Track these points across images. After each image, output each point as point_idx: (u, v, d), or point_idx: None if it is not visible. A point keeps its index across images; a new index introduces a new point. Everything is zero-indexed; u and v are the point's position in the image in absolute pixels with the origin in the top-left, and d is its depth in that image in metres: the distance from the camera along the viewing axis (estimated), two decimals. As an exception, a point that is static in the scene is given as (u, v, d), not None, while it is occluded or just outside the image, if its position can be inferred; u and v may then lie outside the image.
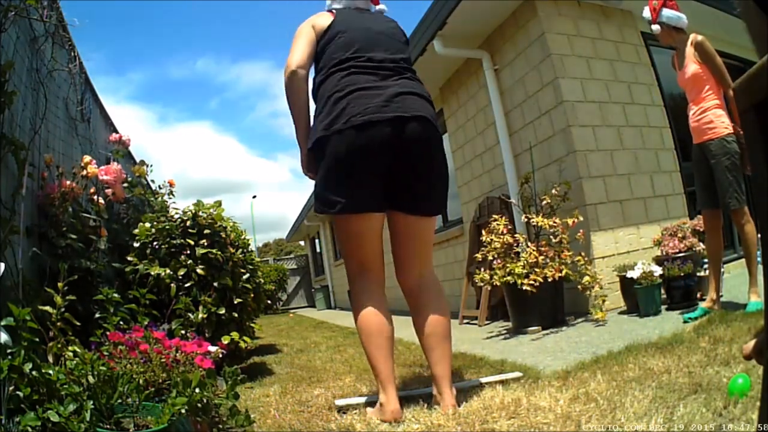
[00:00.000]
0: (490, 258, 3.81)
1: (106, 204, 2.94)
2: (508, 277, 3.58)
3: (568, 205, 3.76)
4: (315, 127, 1.87)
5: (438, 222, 6.49)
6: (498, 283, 3.68)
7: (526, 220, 3.85)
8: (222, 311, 2.87)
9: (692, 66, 2.90)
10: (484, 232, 3.95)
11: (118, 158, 3.43)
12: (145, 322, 1.96)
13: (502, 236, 3.76)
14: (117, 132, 3.59)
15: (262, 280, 4.03)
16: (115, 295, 2.07)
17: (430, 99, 1.94)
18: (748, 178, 2.85)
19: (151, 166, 3.60)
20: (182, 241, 2.94)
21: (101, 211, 2.83)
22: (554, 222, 3.63)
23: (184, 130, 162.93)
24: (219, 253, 2.93)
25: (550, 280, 3.48)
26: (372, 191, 1.83)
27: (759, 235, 2.62)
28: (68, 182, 2.46)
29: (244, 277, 3.19)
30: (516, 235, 3.85)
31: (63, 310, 1.81)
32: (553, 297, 3.63)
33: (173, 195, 3.60)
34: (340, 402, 2.04)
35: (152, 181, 3.62)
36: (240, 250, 3.27)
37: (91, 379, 1.47)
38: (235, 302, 3.03)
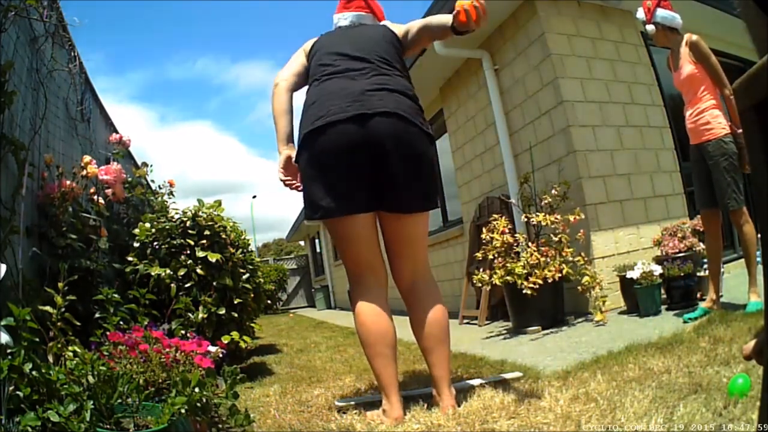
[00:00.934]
0: (491, 257, 3.81)
1: (106, 204, 2.94)
2: (508, 277, 3.58)
3: (567, 204, 3.76)
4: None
5: (438, 222, 6.49)
6: (497, 283, 3.68)
7: (525, 219, 3.85)
8: (222, 311, 2.87)
9: (687, 66, 2.90)
10: (484, 230, 3.95)
11: (118, 158, 3.43)
12: (145, 322, 1.96)
13: (502, 235, 3.76)
14: (117, 132, 3.59)
15: (262, 280, 4.03)
16: (115, 295, 2.07)
17: (409, 92, 1.86)
18: (747, 178, 2.85)
19: (151, 166, 3.61)
20: (182, 241, 2.94)
21: (101, 211, 2.84)
22: (555, 218, 3.63)
23: (184, 130, 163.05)
24: (218, 256, 2.93)
25: (550, 280, 3.48)
26: (353, 192, 1.78)
27: (759, 236, 2.62)
28: (68, 182, 2.46)
29: (244, 277, 3.20)
30: (516, 235, 3.85)
31: (63, 310, 1.81)
32: (553, 297, 3.63)
33: (173, 195, 3.60)
34: (340, 402, 2.04)
35: (152, 181, 3.63)
36: (240, 250, 3.28)
37: (91, 379, 1.47)
38: (235, 302, 3.03)
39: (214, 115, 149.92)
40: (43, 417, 1.29)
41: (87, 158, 2.72)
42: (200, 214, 3.06)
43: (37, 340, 1.53)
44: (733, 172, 2.75)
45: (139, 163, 3.70)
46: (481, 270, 3.93)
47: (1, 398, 1.34)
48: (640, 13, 3.07)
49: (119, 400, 1.45)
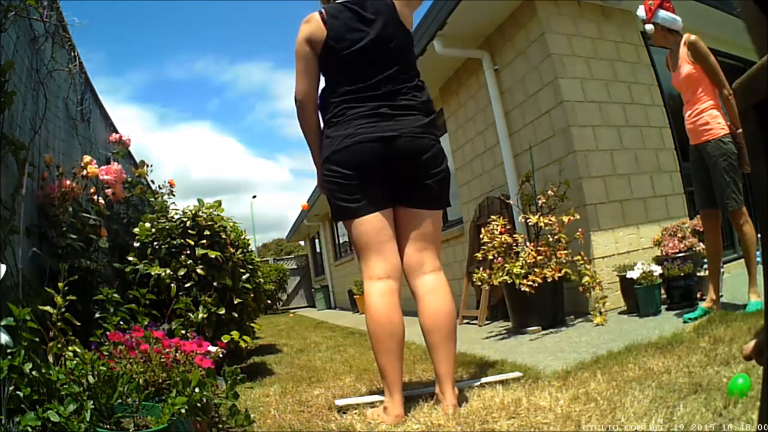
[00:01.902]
0: (490, 257, 3.82)
1: (106, 204, 2.94)
2: (506, 277, 3.58)
3: (567, 204, 3.76)
4: (323, 148, 2.00)
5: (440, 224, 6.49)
6: (496, 283, 3.68)
7: (523, 219, 3.85)
8: (222, 311, 2.87)
9: (686, 66, 2.89)
10: (483, 231, 3.96)
11: (118, 158, 3.42)
12: (145, 322, 1.96)
13: (500, 236, 3.76)
14: (117, 132, 3.59)
15: (262, 280, 4.03)
16: (115, 295, 2.07)
17: (425, 106, 1.97)
18: (747, 178, 2.85)
19: (151, 166, 3.60)
20: (182, 241, 2.94)
21: (101, 211, 2.83)
22: (550, 220, 3.63)
23: (183, 131, 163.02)
24: (218, 253, 2.93)
25: (549, 280, 3.48)
26: (377, 194, 1.92)
27: (758, 235, 2.62)
28: (68, 182, 2.46)
29: (244, 277, 3.20)
30: (515, 235, 3.85)
31: (63, 310, 1.80)
32: (553, 297, 3.63)
33: (173, 195, 3.60)
34: (340, 402, 2.04)
35: (152, 181, 3.63)
36: (240, 250, 3.28)
37: (91, 379, 1.47)
38: (235, 302, 3.03)
39: (214, 116, 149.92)
40: (43, 417, 1.29)
41: (87, 158, 2.72)
42: (200, 214, 3.06)
43: (37, 340, 1.53)
44: (733, 172, 2.75)
45: (139, 163, 3.69)
46: (481, 269, 3.94)
47: (1, 398, 1.34)
48: (641, 11, 3.07)
49: (119, 400, 1.45)
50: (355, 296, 9.60)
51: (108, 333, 1.80)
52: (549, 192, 3.77)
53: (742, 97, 0.59)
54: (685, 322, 2.80)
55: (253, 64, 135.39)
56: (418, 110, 1.94)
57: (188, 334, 2.24)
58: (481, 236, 4.00)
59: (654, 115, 4.43)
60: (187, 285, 2.84)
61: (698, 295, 3.37)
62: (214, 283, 2.91)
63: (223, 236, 3.10)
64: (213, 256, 2.90)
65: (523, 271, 3.54)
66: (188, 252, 2.92)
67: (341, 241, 12.79)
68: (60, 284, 1.83)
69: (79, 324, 1.99)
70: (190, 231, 2.99)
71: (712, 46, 3.00)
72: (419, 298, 1.91)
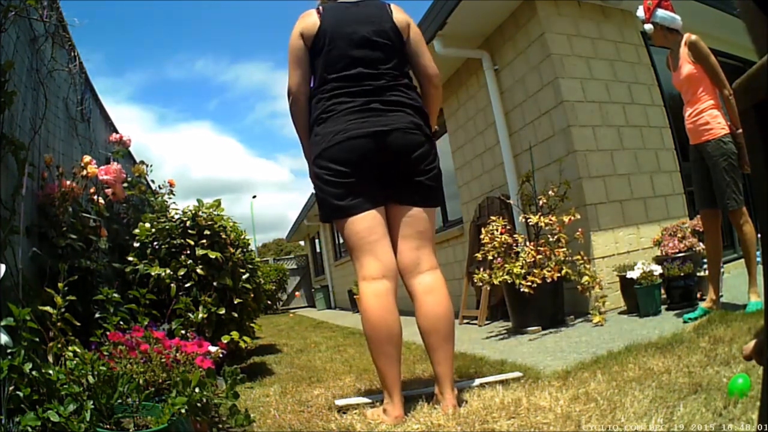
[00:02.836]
0: (490, 258, 3.82)
1: (106, 204, 2.94)
2: (507, 277, 3.58)
3: (567, 204, 3.76)
4: (311, 146, 1.99)
5: (438, 222, 6.49)
6: (497, 282, 3.68)
7: (523, 219, 3.85)
8: (222, 311, 2.87)
9: (686, 66, 2.89)
10: (483, 231, 3.96)
11: (118, 158, 3.42)
12: (145, 322, 1.96)
13: (499, 237, 3.76)
14: (117, 132, 3.59)
15: (262, 280, 4.03)
16: (115, 295, 2.07)
17: (415, 104, 1.97)
18: (747, 178, 2.85)
19: (151, 166, 3.60)
20: (182, 241, 2.94)
21: (101, 211, 2.83)
22: (550, 220, 3.63)
23: (183, 131, 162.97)
24: (218, 254, 2.93)
25: (549, 280, 3.48)
26: (369, 192, 1.90)
27: (758, 236, 2.62)
28: (68, 182, 2.46)
29: (244, 277, 3.20)
30: (515, 235, 3.85)
31: (63, 310, 1.80)
32: (553, 297, 3.63)
33: (173, 195, 3.60)
34: (340, 402, 2.04)
35: (152, 181, 3.63)
36: (240, 250, 3.28)
37: (91, 379, 1.47)
38: (235, 302, 3.03)
39: (214, 116, 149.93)
40: (43, 417, 1.29)
41: (87, 158, 2.72)
42: (200, 213, 3.06)
43: (37, 340, 1.53)
44: (733, 172, 2.75)
45: (138, 162, 3.69)
46: (481, 270, 3.94)
47: (1, 398, 1.34)
48: (640, 12, 3.07)
49: (119, 400, 1.46)
50: (355, 296, 9.59)
51: (108, 333, 1.80)
52: (549, 192, 3.77)
53: (742, 97, 0.59)
54: (685, 322, 2.80)
55: (253, 64, 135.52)
56: (409, 107, 1.94)
57: (188, 335, 2.24)
58: (481, 236, 4.00)
59: (654, 115, 4.43)
60: (187, 285, 2.84)
61: (698, 295, 3.37)
62: (214, 283, 2.91)
63: (223, 236, 3.10)
64: (213, 256, 2.90)
65: (523, 271, 3.54)
66: (188, 252, 2.92)
67: (341, 241, 12.79)
68: (60, 284, 1.83)
69: (79, 324, 1.99)
70: (190, 231, 2.99)
71: (712, 46, 3.00)
72: (416, 299, 1.89)
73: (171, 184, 3.64)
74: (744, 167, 2.74)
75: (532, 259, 3.55)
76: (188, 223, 3.01)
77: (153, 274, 2.79)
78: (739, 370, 1.59)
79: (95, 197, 2.85)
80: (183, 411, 1.43)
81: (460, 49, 4.81)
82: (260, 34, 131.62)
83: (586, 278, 3.48)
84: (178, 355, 1.76)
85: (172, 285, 2.74)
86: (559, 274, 3.51)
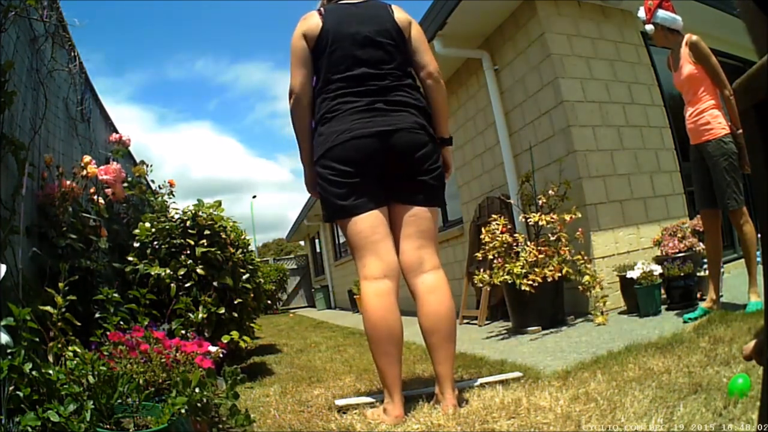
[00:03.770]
0: (490, 257, 3.82)
1: (106, 204, 2.94)
2: (507, 277, 3.58)
3: (567, 204, 3.76)
4: (314, 146, 1.98)
5: (438, 222, 6.49)
6: (497, 283, 3.68)
7: (524, 219, 3.85)
8: (222, 311, 2.87)
9: (687, 66, 2.89)
10: (483, 231, 3.96)
11: (118, 158, 3.42)
12: (145, 322, 1.96)
13: (500, 236, 3.76)
14: (117, 132, 3.59)
15: (262, 280, 4.03)
16: (115, 295, 2.07)
17: (419, 104, 1.97)
18: (747, 178, 2.85)
19: (151, 166, 3.60)
20: (182, 241, 2.94)
21: (101, 211, 2.83)
22: (552, 218, 3.63)
23: (183, 131, 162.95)
24: (218, 252, 2.93)
25: (549, 280, 3.48)
26: (372, 192, 1.90)
27: (759, 235, 2.62)
28: (68, 182, 2.46)
29: (244, 277, 3.19)
30: (515, 235, 3.85)
31: (63, 310, 1.80)
32: (553, 297, 3.63)
33: (173, 195, 3.60)
34: (340, 402, 2.04)
35: (152, 181, 3.63)
36: (240, 250, 3.28)
37: (91, 379, 1.47)
38: (235, 302, 3.03)
39: (214, 116, 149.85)
40: (43, 417, 1.29)
41: (87, 158, 2.72)
42: (200, 213, 3.06)
43: (37, 340, 1.53)
44: (733, 172, 2.75)
45: (138, 162, 3.69)
46: (482, 270, 3.94)
47: (1, 398, 1.34)
48: (641, 13, 3.07)
49: (119, 400, 1.46)
50: (355, 296, 9.60)
51: (108, 333, 1.80)
52: (550, 192, 3.77)
53: (742, 97, 0.60)
54: (685, 322, 2.80)
55: (253, 65, 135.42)
56: (413, 107, 1.94)
57: (188, 334, 2.24)
58: (481, 236, 3.99)
59: (654, 115, 4.43)
60: (187, 285, 2.84)
61: (698, 295, 3.37)
62: (214, 283, 2.91)
63: (223, 236, 3.10)
64: (213, 256, 2.90)
65: (523, 271, 3.54)
66: (188, 252, 2.92)
67: (341, 241, 12.80)
68: (60, 284, 1.83)
69: (79, 324, 1.99)
70: (190, 231, 2.99)
71: (712, 46, 3.00)
72: (418, 298, 1.89)
73: (171, 184, 3.64)
74: (744, 167, 2.74)
75: (534, 259, 3.55)
76: (188, 223, 3.01)
77: (153, 274, 2.79)
78: (739, 370, 1.59)
79: (95, 197, 2.85)
80: (183, 411, 1.43)
81: (460, 49, 4.81)
82: (260, 34, 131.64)
83: (586, 278, 3.48)
84: (178, 355, 1.76)
85: (172, 285, 2.74)
86: (560, 274, 3.51)
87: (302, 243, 20.43)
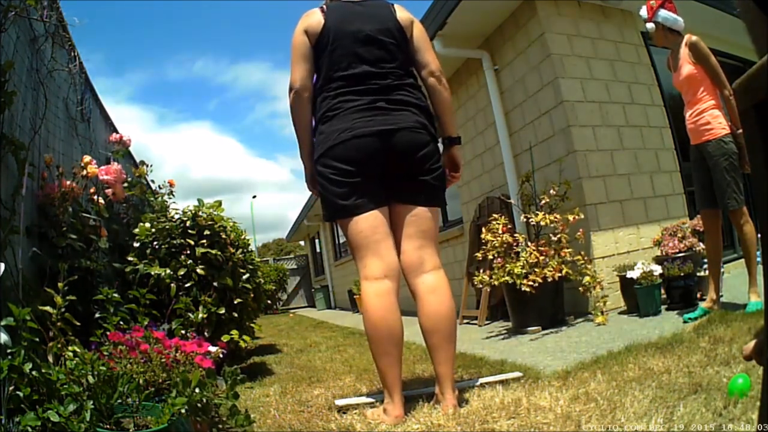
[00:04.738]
0: (490, 257, 3.82)
1: (106, 204, 2.94)
2: (507, 277, 3.58)
3: (567, 204, 3.76)
4: (315, 145, 1.98)
5: (438, 222, 6.49)
6: (497, 283, 3.68)
7: (525, 219, 3.85)
8: (222, 311, 2.87)
9: (687, 67, 2.90)
10: (483, 231, 3.95)
11: (118, 158, 3.42)
12: (145, 322, 1.95)
13: (501, 236, 3.76)
14: (117, 132, 3.59)
15: (262, 280, 4.03)
16: (115, 295, 2.07)
17: (420, 103, 1.97)
18: (747, 178, 2.85)
19: (151, 166, 3.60)
20: (182, 241, 2.94)
21: (101, 211, 2.83)
22: (554, 218, 3.63)
23: (183, 131, 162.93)
24: (218, 252, 2.93)
25: (549, 280, 3.48)
26: (373, 191, 1.89)
27: (759, 235, 2.62)
28: (68, 182, 2.46)
29: (244, 277, 3.19)
30: (516, 235, 3.85)
31: (63, 310, 1.80)
32: (553, 297, 3.63)
33: (173, 195, 3.60)
34: (340, 402, 2.04)
35: (152, 181, 3.63)
36: (240, 250, 3.27)
37: (91, 379, 1.47)
38: (235, 302, 3.03)
39: (213, 116, 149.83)
40: (43, 417, 1.29)
41: (87, 158, 2.72)
42: (200, 213, 3.06)
43: (37, 340, 1.53)
44: (733, 172, 2.75)
45: (138, 163, 3.69)
46: (482, 270, 3.94)
47: (1, 398, 1.34)
48: (643, 11, 3.08)
49: (119, 400, 1.45)
50: (355, 296, 9.60)
51: (108, 333, 1.80)
52: (551, 191, 3.77)
53: (742, 97, 0.59)
54: (685, 322, 2.80)
55: (253, 65, 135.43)
56: (415, 107, 1.94)
57: (188, 334, 2.24)
58: (481, 236, 3.99)
59: (654, 115, 4.43)
60: (187, 285, 2.84)
61: (698, 295, 3.37)
62: (214, 283, 2.91)
63: (223, 236, 3.10)
64: (213, 256, 2.90)
65: (523, 271, 3.54)
66: (188, 252, 2.92)
67: (341, 241, 12.79)
68: (60, 284, 1.83)
69: (79, 324, 1.99)
70: (190, 231, 2.99)
71: (712, 46, 3.00)
72: (419, 298, 1.89)
73: (171, 184, 3.64)
74: (744, 167, 2.74)
75: (535, 260, 3.55)
76: (188, 223, 3.01)
77: (153, 274, 2.79)
78: (739, 370, 1.59)
79: (95, 197, 2.85)
80: (183, 411, 1.43)
81: (460, 49, 4.81)
82: (260, 34, 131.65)
83: (586, 278, 3.48)
84: (178, 355, 1.76)
85: (172, 285, 2.74)
86: (560, 274, 3.51)
87: (302, 243, 20.43)
